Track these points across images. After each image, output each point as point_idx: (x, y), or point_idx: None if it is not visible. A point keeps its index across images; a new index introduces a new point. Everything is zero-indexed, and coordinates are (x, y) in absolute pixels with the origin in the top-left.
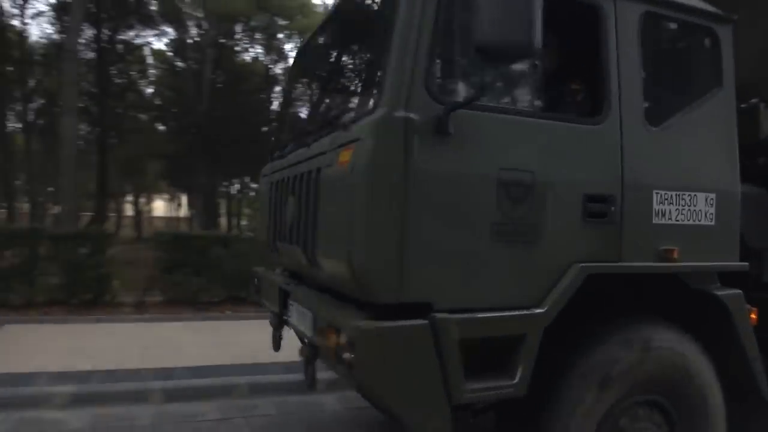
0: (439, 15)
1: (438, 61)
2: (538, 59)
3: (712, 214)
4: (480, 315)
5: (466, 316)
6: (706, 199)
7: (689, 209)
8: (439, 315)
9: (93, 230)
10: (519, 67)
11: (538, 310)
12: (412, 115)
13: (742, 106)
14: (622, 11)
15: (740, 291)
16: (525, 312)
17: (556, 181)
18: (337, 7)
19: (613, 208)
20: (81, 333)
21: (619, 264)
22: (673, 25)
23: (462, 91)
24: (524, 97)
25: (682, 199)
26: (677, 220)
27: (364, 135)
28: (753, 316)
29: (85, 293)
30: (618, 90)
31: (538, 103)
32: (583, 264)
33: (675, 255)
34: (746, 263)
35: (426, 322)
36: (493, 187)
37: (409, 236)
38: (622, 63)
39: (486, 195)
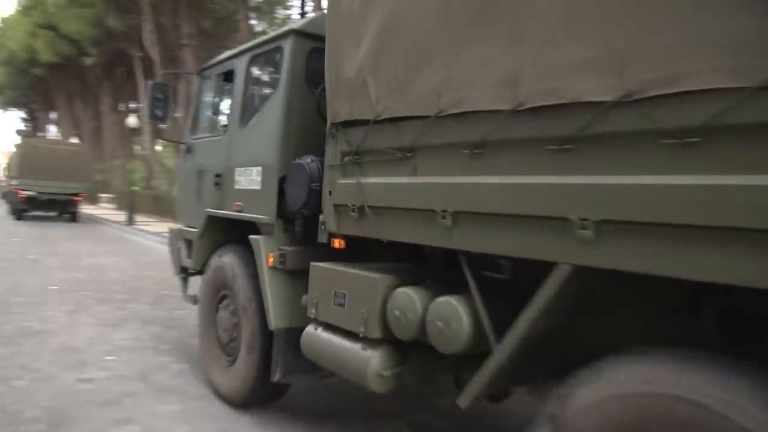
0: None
1: (194, 120)
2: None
3: (259, 181)
4: (182, 228)
5: (182, 227)
6: (256, 171)
7: (248, 179)
8: (177, 226)
9: None
10: (204, 116)
11: (197, 230)
12: (184, 146)
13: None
14: (240, 63)
15: (260, 237)
16: (194, 230)
17: (206, 168)
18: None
19: (219, 180)
20: None
21: (212, 210)
22: (266, 56)
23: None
24: (202, 129)
25: (247, 171)
26: (243, 186)
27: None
28: (270, 259)
29: None
30: (233, 112)
31: (205, 130)
32: (208, 210)
33: (237, 208)
34: (267, 217)
35: (178, 228)
36: (196, 173)
37: (184, 197)
38: (235, 96)
39: (196, 177)
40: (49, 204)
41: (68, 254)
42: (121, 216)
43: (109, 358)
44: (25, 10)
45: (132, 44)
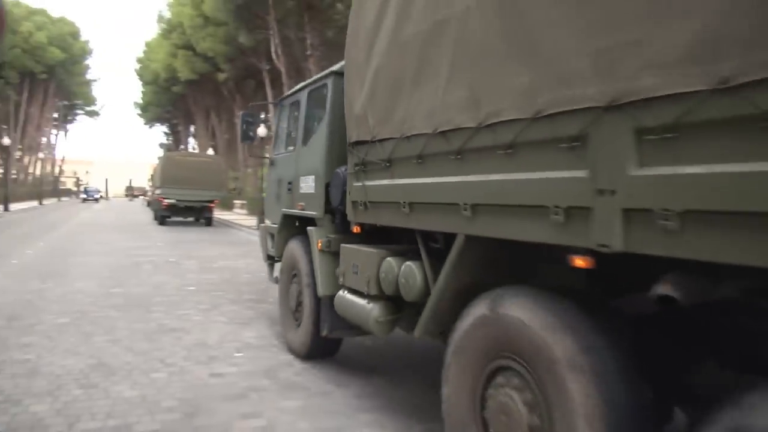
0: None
1: (275, 139)
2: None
3: (313, 186)
4: (268, 224)
5: (268, 224)
6: (311, 179)
7: (307, 185)
8: (264, 223)
9: None
10: (282, 136)
11: (275, 226)
12: (269, 159)
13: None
14: (302, 95)
15: (314, 228)
16: (275, 225)
17: (283, 177)
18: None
19: (290, 186)
20: None
21: (286, 210)
22: (317, 91)
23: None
24: (281, 146)
25: (306, 179)
26: (304, 191)
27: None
28: (319, 244)
29: None
30: (297, 133)
31: (282, 147)
32: (283, 209)
33: (300, 207)
34: (318, 213)
35: (263, 224)
36: (277, 181)
37: (269, 200)
38: (299, 121)
39: (277, 183)
40: (187, 210)
41: (204, 257)
42: (252, 221)
43: (238, 354)
44: (165, 33)
45: (260, 58)
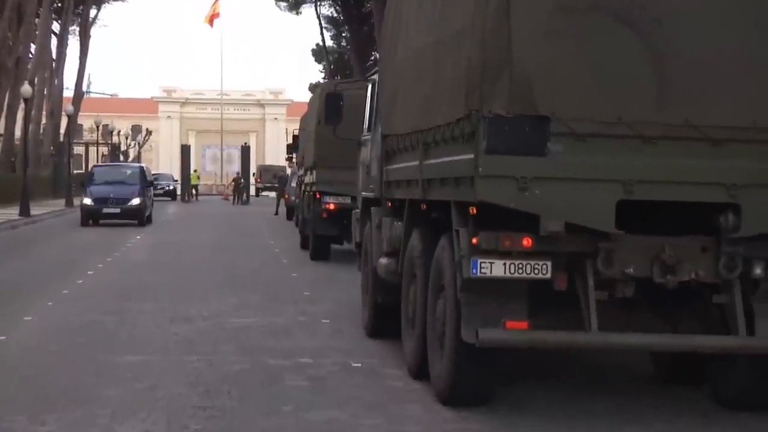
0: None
1: (366, 125)
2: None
3: (377, 170)
4: (355, 210)
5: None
6: (376, 163)
7: (374, 168)
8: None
9: None
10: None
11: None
12: (361, 140)
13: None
14: (372, 89)
15: (374, 208)
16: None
17: (364, 160)
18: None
19: (368, 170)
20: None
21: (362, 193)
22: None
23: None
24: (366, 128)
25: (374, 163)
26: (373, 174)
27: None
28: (377, 221)
29: None
30: (372, 116)
31: (367, 130)
32: (363, 192)
33: (371, 190)
34: (377, 194)
35: (354, 211)
36: (362, 163)
37: (359, 183)
38: (374, 103)
39: (362, 167)
40: None
41: None
42: None
43: None
44: None
45: None
